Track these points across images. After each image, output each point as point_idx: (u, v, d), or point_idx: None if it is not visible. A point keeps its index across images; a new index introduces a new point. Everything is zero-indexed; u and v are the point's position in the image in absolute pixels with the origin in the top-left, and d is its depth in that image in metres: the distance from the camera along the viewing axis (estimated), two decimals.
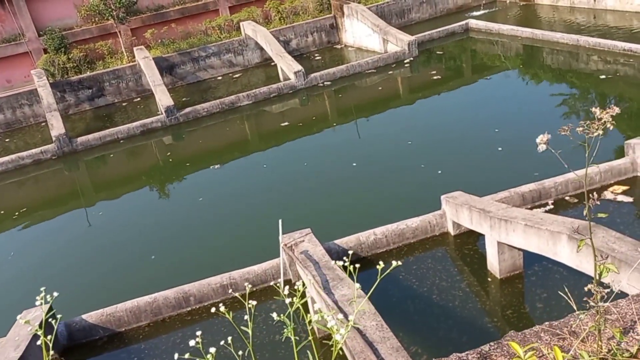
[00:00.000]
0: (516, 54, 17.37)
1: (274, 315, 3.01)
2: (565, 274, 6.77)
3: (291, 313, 2.90)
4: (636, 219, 7.93)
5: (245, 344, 7.17)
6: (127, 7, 19.37)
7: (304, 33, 21.13)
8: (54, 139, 15.04)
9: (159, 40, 20.30)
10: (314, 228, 7.60)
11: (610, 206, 8.22)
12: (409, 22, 21.91)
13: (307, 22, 21.12)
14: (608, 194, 8.51)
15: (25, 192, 14.14)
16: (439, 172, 10.37)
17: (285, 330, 2.85)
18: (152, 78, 17.37)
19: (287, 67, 17.33)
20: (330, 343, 2.74)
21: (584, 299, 3.03)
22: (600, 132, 2.69)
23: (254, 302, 2.95)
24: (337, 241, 7.97)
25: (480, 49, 18.65)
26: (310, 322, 2.78)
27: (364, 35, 19.88)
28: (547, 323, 3.37)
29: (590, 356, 2.87)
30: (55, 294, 3.17)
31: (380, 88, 16.62)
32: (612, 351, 2.93)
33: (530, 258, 7.00)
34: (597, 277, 3.02)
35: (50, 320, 3.50)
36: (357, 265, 3.21)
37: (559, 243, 5.91)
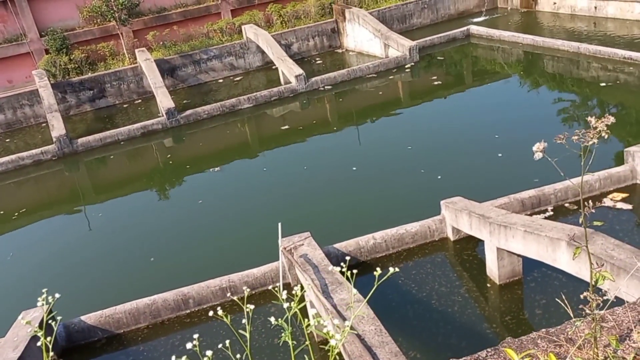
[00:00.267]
0: (517, 61, 17.41)
1: (272, 319, 3.02)
2: (565, 280, 6.78)
3: (289, 317, 2.91)
4: (635, 226, 7.94)
5: (242, 348, 7.18)
6: (129, 9, 19.42)
7: (306, 37, 21.18)
8: (54, 139, 15.05)
9: (161, 43, 20.34)
10: (313, 232, 7.61)
11: (609, 213, 8.24)
12: (410, 27, 21.97)
13: (309, 26, 21.17)
14: (607, 201, 8.53)
15: (25, 193, 14.14)
16: (439, 177, 10.39)
17: (283, 334, 2.86)
18: (154, 80, 17.40)
19: (288, 70, 17.36)
20: (327, 347, 2.75)
21: (580, 306, 3.04)
22: (595, 140, 2.71)
23: (252, 306, 2.96)
24: (336, 245, 7.98)
25: (481, 55, 18.69)
26: (307, 326, 2.78)
27: (365, 39, 19.93)
28: (543, 330, 3.38)
29: None
30: (57, 295, 3.17)
31: (380, 93, 16.66)
32: (608, 358, 2.94)
33: (530, 264, 7.02)
34: (593, 285, 3.03)
35: (49, 321, 3.50)
36: (355, 271, 3.21)
37: (558, 250, 5.92)
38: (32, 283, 9.16)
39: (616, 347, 2.97)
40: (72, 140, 15.24)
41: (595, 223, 3.23)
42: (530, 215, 8.16)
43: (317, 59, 20.88)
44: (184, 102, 18.04)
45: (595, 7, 19.35)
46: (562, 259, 5.90)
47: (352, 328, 5.17)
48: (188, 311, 7.58)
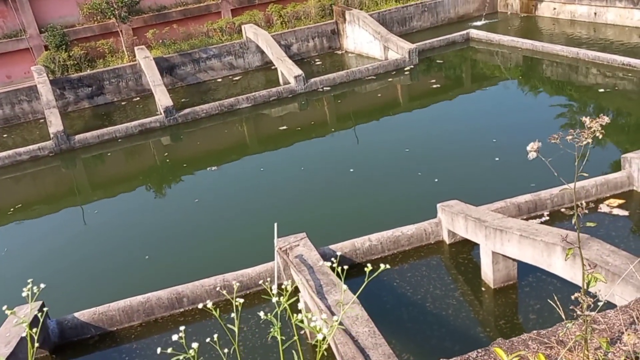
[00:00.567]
0: (516, 65, 17.44)
1: (261, 314, 3.01)
2: (559, 285, 6.78)
3: (278, 313, 2.90)
4: (631, 232, 7.95)
5: (239, 345, 7.17)
6: (129, 6, 19.40)
7: (305, 38, 21.18)
8: (52, 135, 15.01)
9: (160, 41, 20.32)
10: (309, 232, 7.60)
11: (605, 219, 8.25)
12: (410, 30, 21.99)
13: (309, 27, 21.17)
14: (604, 207, 8.54)
15: (21, 189, 14.10)
16: (436, 180, 10.39)
17: (272, 329, 2.85)
18: (152, 78, 17.38)
19: (288, 71, 17.36)
20: (314, 342, 2.74)
21: (571, 307, 3.05)
22: (590, 140, 2.71)
23: (241, 300, 2.95)
24: (332, 246, 7.97)
25: (480, 59, 18.72)
26: (297, 321, 2.78)
27: (365, 41, 19.95)
28: (535, 332, 3.39)
29: None
30: (42, 285, 3.12)
31: (379, 95, 16.66)
32: None
33: (525, 269, 7.01)
34: (585, 287, 3.05)
35: (34, 310, 3.48)
36: (346, 267, 3.21)
37: (554, 254, 5.92)
38: (26, 279, 9.11)
39: (607, 349, 2.98)
40: (69, 137, 15.20)
41: (589, 224, 3.24)
42: (527, 219, 8.16)
43: (317, 60, 20.88)
44: (183, 100, 18.02)
45: (595, 13, 19.40)
46: (557, 264, 5.91)
47: (344, 329, 5.17)
48: (182, 310, 7.56)
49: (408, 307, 7.07)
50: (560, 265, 5.86)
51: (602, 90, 14.01)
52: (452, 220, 7.86)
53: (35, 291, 2.93)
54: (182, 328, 2.77)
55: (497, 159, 10.83)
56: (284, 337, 2.87)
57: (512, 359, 2.74)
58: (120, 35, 19.97)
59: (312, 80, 17.14)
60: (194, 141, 15.26)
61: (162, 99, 16.15)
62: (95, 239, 10.47)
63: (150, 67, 17.97)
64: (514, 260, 6.94)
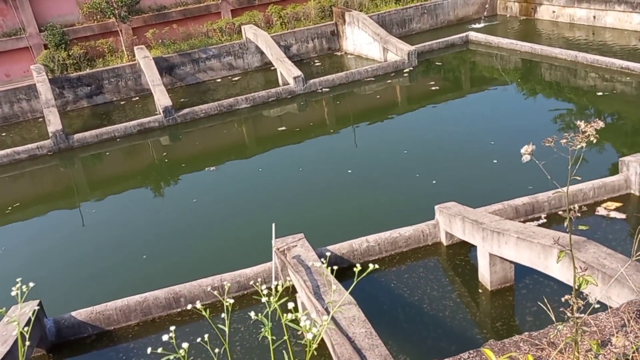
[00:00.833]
0: (515, 68, 17.47)
1: (252, 314, 3.02)
2: (556, 287, 6.80)
3: (269, 313, 2.92)
4: (628, 235, 7.97)
5: (236, 346, 7.17)
6: (129, 6, 19.40)
7: (305, 39, 21.20)
8: (50, 134, 15.01)
9: (160, 41, 20.32)
10: (307, 233, 7.62)
11: (603, 222, 8.28)
12: (409, 32, 22.02)
13: (309, 28, 21.20)
14: (601, 210, 8.56)
15: (20, 187, 14.09)
16: (434, 182, 10.41)
17: (262, 330, 2.86)
18: (152, 78, 17.38)
19: (287, 72, 17.38)
20: (303, 341, 2.75)
21: (561, 309, 3.09)
22: (584, 144, 2.74)
23: (232, 300, 2.97)
24: (329, 247, 7.98)
25: (479, 62, 18.75)
26: (284, 322, 2.80)
27: (365, 43, 19.97)
28: (526, 333, 3.41)
29: None
30: (32, 284, 3.12)
31: (378, 96, 16.68)
32: None
33: (522, 271, 7.03)
34: (576, 288, 3.08)
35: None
36: (335, 267, 3.44)
37: (550, 257, 5.94)
38: (24, 278, 9.10)
39: (597, 351, 3.01)
40: (68, 136, 15.20)
41: (581, 227, 3.27)
42: (524, 222, 8.18)
43: (316, 61, 20.90)
44: (182, 100, 18.02)
45: (594, 17, 19.45)
46: (554, 267, 5.92)
47: (341, 330, 5.18)
48: (179, 309, 7.56)
49: (405, 308, 7.08)
50: (557, 267, 5.87)
51: (600, 93, 14.05)
52: (450, 222, 7.87)
53: (24, 290, 2.93)
54: (172, 328, 2.79)
55: (495, 161, 10.85)
56: (274, 337, 2.88)
57: None
58: (120, 34, 19.98)
59: (311, 81, 17.16)
60: (192, 141, 15.27)
61: (161, 98, 16.16)
62: (93, 238, 10.47)
63: (149, 67, 17.98)
64: (511, 262, 6.96)
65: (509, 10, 22.93)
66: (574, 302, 2.98)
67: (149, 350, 2.71)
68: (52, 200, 13.03)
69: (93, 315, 7.38)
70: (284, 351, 2.98)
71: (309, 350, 2.69)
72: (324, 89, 17.14)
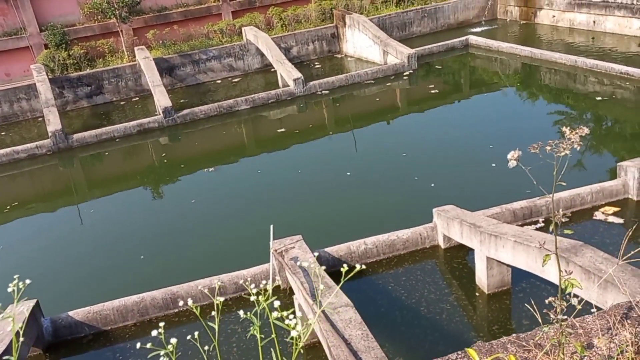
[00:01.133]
0: (514, 72, 17.50)
1: (241, 312, 3.03)
2: (553, 291, 6.80)
3: (258, 312, 2.93)
4: (626, 240, 7.97)
5: (233, 347, 7.15)
6: (130, 6, 19.43)
7: (305, 41, 21.24)
8: (50, 134, 15.02)
9: (160, 41, 20.36)
10: (305, 235, 7.62)
11: (600, 227, 8.29)
12: (409, 35, 22.06)
13: (309, 30, 21.23)
14: (599, 215, 8.58)
15: (18, 187, 14.10)
16: (432, 185, 10.42)
17: (251, 328, 2.88)
18: (152, 78, 17.40)
19: (287, 74, 17.40)
20: (288, 339, 2.76)
21: (544, 310, 3.13)
22: (568, 152, 2.77)
23: (222, 298, 2.98)
24: (327, 249, 7.98)
25: (479, 65, 18.78)
26: (272, 320, 2.82)
27: (365, 46, 20.00)
28: (514, 335, 3.45)
29: None
30: (28, 281, 3.12)
31: (378, 99, 16.70)
32: None
33: (519, 274, 7.04)
34: (561, 291, 3.12)
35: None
36: (323, 267, 3.61)
37: (552, 263, 5.94)
38: (21, 277, 9.11)
39: (581, 353, 3.04)
40: (67, 136, 15.21)
41: (566, 232, 3.31)
42: (522, 226, 8.18)
43: (316, 63, 20.93)
44: (182, 101, 18.04)
45: (594, 22, 19.49)
46: (551, 270, 5.93)
47: (337, 332, 5.18)
48: (176, 310, 7.56)
49: (402, 310, 7.08)
50: (554, 271, 5.87)
51: (599, 98, 14.07)
52: (448, 225, 7.88)
53: (21, 286, 2.93)
54: (161, 324, 2.81)
55: (493, 165, 10.87)
56: (262, 335, 2.90)
57: None
58: (121, 35, 20.00)
59: (311, 83, 17.18)
60: (192, 142, 15.28)
61: (161, 99, 16.18)
62: (91, 238, 10.47)
63: (149, 68, 18.00)
64: (508, 265, 6.97)
65: (509, 15, 22.98)
66: (558, 304, 3.02)
67: (138, 345, 2.73)
68: (51, 199, 13.03)
69: (90, 315, 7.38)
70: (271, 349, 2.99)
71: (296, 349, 2.70)
72: (323, 91, 17.16)
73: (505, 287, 7.16)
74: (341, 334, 5.18)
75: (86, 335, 7.37)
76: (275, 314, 2.77)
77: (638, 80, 14.47)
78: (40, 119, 17.56)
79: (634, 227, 7.60)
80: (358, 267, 2.91)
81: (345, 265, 2.91)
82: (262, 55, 20.26)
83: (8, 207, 12.28)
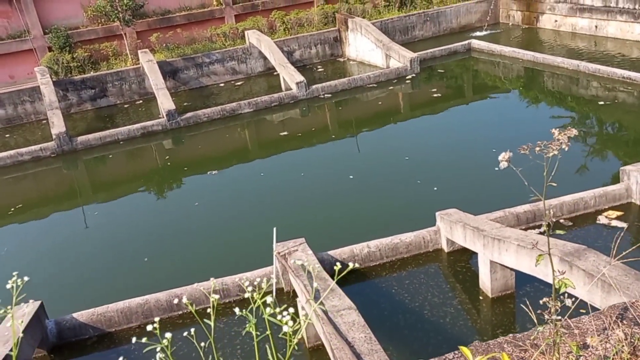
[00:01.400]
0: (517, 76, 17.53)
1: (237, 310, 3.06)
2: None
3: (253, 309, 2.95)
4: (629, 244, 7.99)
5: (237, 349, 7.16)
6: (133, 10, 19.50)
7: (308, 44, 21.29)
8: (54, 136, 15.07)
9: (164, 45, 20.42)
10: (308, 238, 7.65)
11: (603, 231, 8.30)
12: (412, 39, 22.10)
13: (312, 34, 21.29)
14: (602, 219, 8.59)
15: (22, 189, 14.15)
16: (435, 188, 10.44)
17: (247, 325, 2.90)
18: (155, 81, 17.46)
19: (290, 77, 17.45)
20: (280, 335, 2.78)
21: (539, 311, 3.16)
22: (556, 152, 2.82)
23: (217, 296, 3.00)
24: (330, 252, 8.01)
25: (481, 69, 18.82)
26: (266, 317, 2.84)
27: (367, 49, 20.05)
28: (510, 335, 3.48)
29: None
30: (26, 278, 3.14)
31: (380, 103, 16.74)
32: None
33: (522, 278, 7.05)
34: (555, 291, 3.16)
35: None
36: (318, 266, 3.37)
37: (550, 265, 5.95)
38: (26, 279, 9.14)
39: (577, 353, 3.07)
40: (71, 138, 15.26)
41: (558, 232, 3.35)
42: (525, 229, 8.20)
43: (319, 66, 20.98)
44: (185, 104, 18.09)
45: (596, 27, 19.52)
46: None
47: (340, 334, 5.20)
48: (180, 312, 7.59)
49: (405, 314, 7.10)
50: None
51: (602, 102, 14.09)
52: (451, 229, 7.90)
53: (19, 283, 2.96)
54: (156, 319, 2.84)
55: (496, 168, 10.85)
56: (258, 332, 2.92)
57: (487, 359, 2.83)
58: (124, 38, 20.07)
59: (314, 86, 17.22)
60: (195, 145, 15.32)
61: (165, 102, 16.23)
62: (95, 240, 10.50)
63: (153, 71, 18.06)
64: (511, 269, 6.98)
65: (512, 19, 23.02)
66: (552, 305, 3.06)
67: (133, 339, 2.76)
68: (55, 202, 13.07)
69: (94, 316, 7.41)
70: (267, 346, 3.01)
71: (290, 346, 2.72)
72: (326, 95, 17.21)
73: (509, 291, 7.17)
74: (344, 336, 5.20)
75: (90, 337, 7.39)
76: (268, 310, 2.79)
77: None
78: (44, 121, 17.62)
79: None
80: (351, 265, 2.91)
81: (338, 263, 2.92)
82: (265, 58, 20.32)
83: (12, 209, 12.33)
